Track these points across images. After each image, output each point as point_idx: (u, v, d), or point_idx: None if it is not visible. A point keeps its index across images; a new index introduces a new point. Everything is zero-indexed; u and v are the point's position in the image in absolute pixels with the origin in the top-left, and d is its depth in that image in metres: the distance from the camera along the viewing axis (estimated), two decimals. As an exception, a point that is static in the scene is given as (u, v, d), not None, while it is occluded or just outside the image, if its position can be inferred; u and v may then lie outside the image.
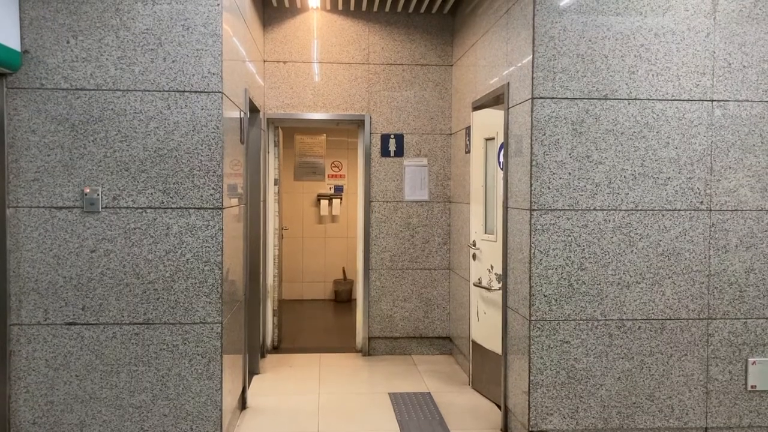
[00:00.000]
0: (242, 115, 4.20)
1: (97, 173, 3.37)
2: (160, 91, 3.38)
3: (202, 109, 3.40)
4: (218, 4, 3.40)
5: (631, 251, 3.53)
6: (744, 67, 3.55)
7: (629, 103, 3.50)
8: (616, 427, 3.55)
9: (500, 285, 4.13)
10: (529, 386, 3.52)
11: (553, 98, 3.47)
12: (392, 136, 5.68)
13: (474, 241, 4.75)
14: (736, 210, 3.57)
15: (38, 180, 3.34)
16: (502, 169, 4.09)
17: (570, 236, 3.50)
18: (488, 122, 4.51)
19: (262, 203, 5.37)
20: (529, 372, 3.51)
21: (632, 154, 3.51)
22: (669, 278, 3.55)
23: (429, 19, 5.70)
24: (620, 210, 3.52)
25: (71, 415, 3.39)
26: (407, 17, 5.68)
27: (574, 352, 3.52)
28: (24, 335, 3.36)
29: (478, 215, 4.71)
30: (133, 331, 3.41)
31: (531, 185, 3.48)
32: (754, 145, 3.57)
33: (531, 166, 3.48)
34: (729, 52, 3.55)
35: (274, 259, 5.80)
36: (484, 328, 4.57)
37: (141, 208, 3.39)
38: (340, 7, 5.54)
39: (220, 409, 3.47)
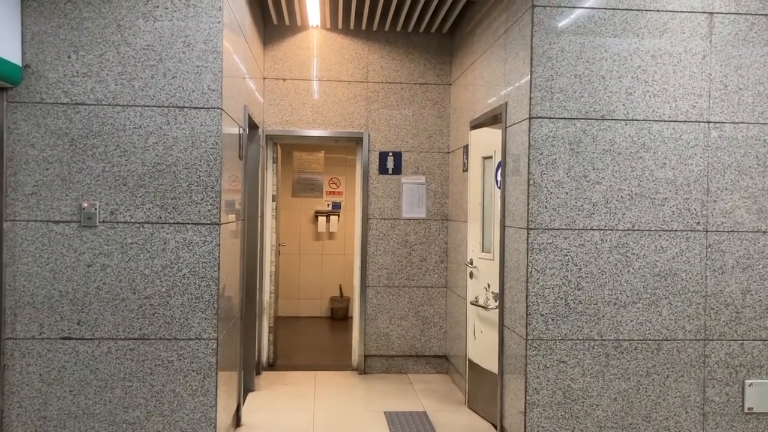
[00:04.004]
0: (241, 132, 4.21)
1: (95, 188, 3.37)
2: (159, 107, 3.40)
3: (202, 125, 3.41)
4: (219, 21, 3.43)
5: (628, 271, 3.53)
6: (740, 89, 3.59)
7: (626, 124, 3.53)
8: (612, 449, 3.53)
9: (497, 304, 4.13)
10: (525, 406, 3.50)
11: (551, 118, 3.49)
12: (390, 154, 5.71)
13: (471, 260, 4.75)
14: (732, 231, 3.58)
15: (36, 194, 3.34)
16: (499, 187, 4.10)
17: (567, 255, 3.50)
18: (486, 141, 4.53)
19: (259, 219, 5.37)
20: (526, 392, 3.49)
21: (629, 174, 3.53)
22: (665, 299, 3.55)
23: (428, 39, 5.75)
24: (617, 230, 3.52)
25: (64, 431, 3.36)
26: (406, 36, 5.73)
27: (571, 372, 3.51)
28: (18, 349, 3.34)
29: (475, 234, 4.71)
30: (128, 346, 3.39)
31: (528, 204, 3.49)
32: (750, 166, 3.59)
33: (528, 185, 3.49)
34: (725, 75, 3.58)
35: (270, 275, 5.79)
36: (481, 347, 4.55)
37: (138, 222, 3.39)
38: (340, 25, 5.59)
39: (215, 426, 3.44)
